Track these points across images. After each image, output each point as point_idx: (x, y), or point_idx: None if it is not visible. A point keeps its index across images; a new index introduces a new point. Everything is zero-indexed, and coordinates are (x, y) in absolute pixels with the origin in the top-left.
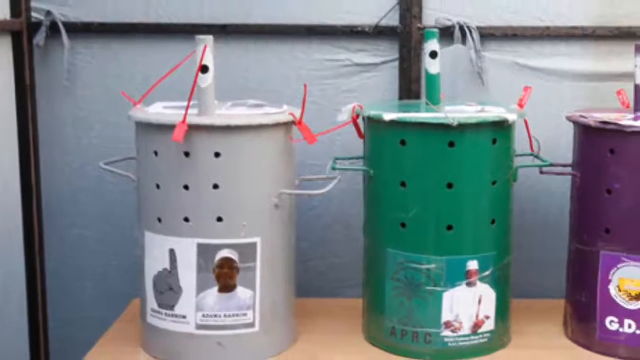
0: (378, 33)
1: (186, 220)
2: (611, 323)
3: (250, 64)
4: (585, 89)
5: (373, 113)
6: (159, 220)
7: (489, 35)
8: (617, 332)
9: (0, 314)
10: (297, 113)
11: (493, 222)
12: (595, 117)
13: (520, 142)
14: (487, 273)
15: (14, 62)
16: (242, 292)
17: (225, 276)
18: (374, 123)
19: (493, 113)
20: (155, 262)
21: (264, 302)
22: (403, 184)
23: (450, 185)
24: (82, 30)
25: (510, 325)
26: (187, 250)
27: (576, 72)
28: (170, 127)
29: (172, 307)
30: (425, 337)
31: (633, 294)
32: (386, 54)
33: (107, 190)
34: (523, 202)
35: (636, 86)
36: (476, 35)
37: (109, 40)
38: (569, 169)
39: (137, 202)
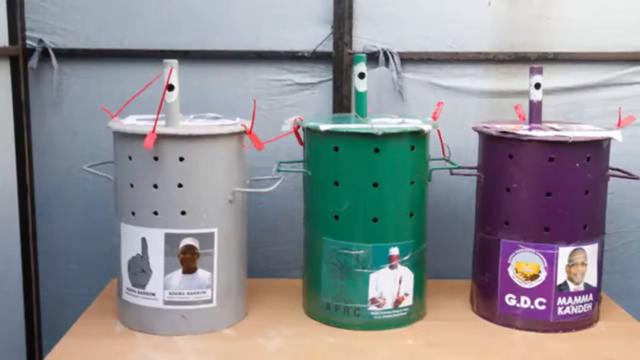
0: (315, 57)
1: (155, 213)
2: (510, 299)
3: (209, 83)
4: (488, 104)
5: (311, 124)
6: (133, 213)
7: (407, 59)
8: (514, 307)
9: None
10: (248, 124)
11: (411, 215)
12: (496, 128)
13: (434, 148)
14: (406, 257)
15: (12, 82)
16: (202, 274)
17: (188, 260)
18: (311, 132)
19: (411, 124)
20: (129, 249)
21: (220, 282)
22: (336, 183)
23: (375, 184)
24: (68, 55)
25: (426, 301)
26: (156, 239)
27: (480, 90)
28: (142, 136)
29: (143, 286)
30: (355, 311)
31: (528, 275)
32: (322, 74)
33: (89, 188)
34: (436, 198)
35: (530, 102)
36: (397, 59)
37: (91, 63)
38: (475, 171)
39: (114, 198)
